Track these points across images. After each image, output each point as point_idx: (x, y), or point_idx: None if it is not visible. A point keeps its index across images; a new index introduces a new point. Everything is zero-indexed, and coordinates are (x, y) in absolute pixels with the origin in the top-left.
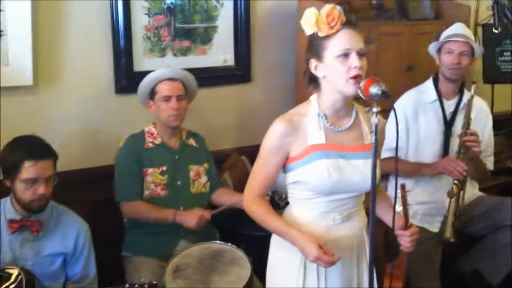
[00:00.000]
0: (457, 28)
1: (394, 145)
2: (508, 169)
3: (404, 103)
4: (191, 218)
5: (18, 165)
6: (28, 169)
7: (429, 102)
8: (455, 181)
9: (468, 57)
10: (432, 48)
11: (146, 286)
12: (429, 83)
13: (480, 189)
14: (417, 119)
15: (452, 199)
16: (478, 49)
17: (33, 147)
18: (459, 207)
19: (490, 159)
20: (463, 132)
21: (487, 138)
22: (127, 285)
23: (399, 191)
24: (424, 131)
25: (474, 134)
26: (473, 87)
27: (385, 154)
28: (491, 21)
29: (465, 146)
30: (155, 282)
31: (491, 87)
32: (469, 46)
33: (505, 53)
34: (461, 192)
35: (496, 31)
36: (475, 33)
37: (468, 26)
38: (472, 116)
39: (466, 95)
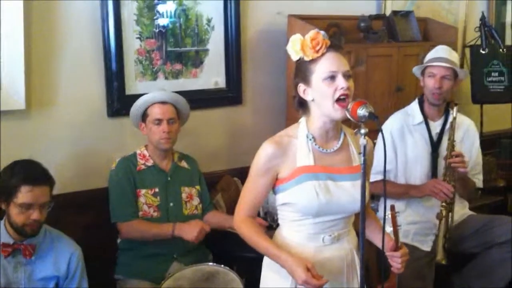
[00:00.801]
0: (439, 51)
1: (383, 168)
2: (498, 188)
3: (390, 126)
4: (191, 230)
5: (15, 189)
6: (24, 194)
7: (416, 124)
8: (442, 203)
9: (451, 81)
10: (415, 70)
11: None
12: (415, 104)
13: (471, 208)
14: (404, 141)
15: (441, 221)
16: (462, 72)
17: (31, 172)
18: (449, 228)
19: (479, 177)
20: (448, 154)
21: (475, 156)
22: None
23: (388, 212)
24: (412, 152)
25: (459, 155)
26: (455, 109)
27: (374, 177)
28: (479, 42)
29: (451, 167)
30: None
31: (480, 107)
32: (452, 69)
33: (493, 74)
34: (450, 214)
35: (483, 52)
36: (463, 54)
37: (456, 48)
38: (460, 135)
39: (452, 116)
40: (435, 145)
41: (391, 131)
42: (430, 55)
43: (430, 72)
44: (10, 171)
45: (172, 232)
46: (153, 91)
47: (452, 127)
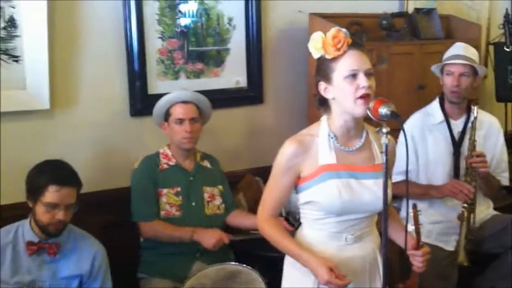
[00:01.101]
0: (457, 49)
1: (404, 168)
2: None
3: (411, 126)
4: (210, 238)
5: (43, 188)
6: (51, 194)
7: (437, 123)
8: (464, 204)
9: (469, 78)
10: (434, 69)
11: None
12: (435, 104)
13: (496, 208)
14: (425, 140)
15: (463, 223)
16: (480, 68)
17: (60, 172)
18: (470, 229)
19: (504, 175)
20: (469, 154)
21: (499, 154)
22: None
23: (410, 210)
24: (433, 152)
25: (480, 155)
26: (475, 108)
27: (396, 178)
28: (503, 39)
29: (471, 167)
30: None
31: (504, 105)
32: (470, 66)
33: None
34: (472, 215)
35: (507, 49)
36: (487, 52)
37: (480, 45)
38: (483, 133)
39: (473, 115)
40: (457, 145)
41: (412, 131)
42: (448, 53)
43: (448, 70)
44: (39, 169)
45: (191, 236)
46: (175, 91)
47: (473, 127)
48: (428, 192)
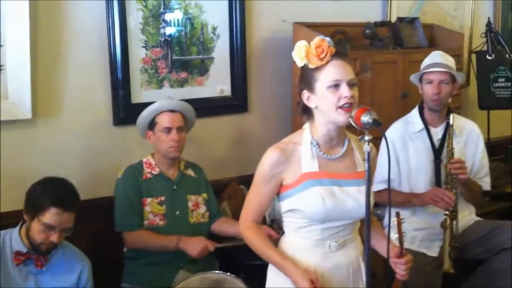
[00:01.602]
0: (435, 57)
1: (387, 176)
2: (506, 195)
3: (392, 134)
4: (195, 246)
5: (44, 208)
6: (52, 216)
7: (417, 131)
8: (445, 212)
9: (449, 85)
10: (413, 78)
11: None
12: (415, 112)
13: (478, 215)
14: (406, 149)
15: (446, 230)
16: (459, 76)
17: (64, 196)
18: (454, 236)
19: (485, 180)
20: (448, 161)
21: (479, 159)
22: None
23: (393, 219)
24: (414, 160)
25: (458, 161)
26: (451, 116)
27: (378, 186)
28: (485, 48)
29: (451, 174)
30: None
31: (487, 113)
32: (449, 74)
33: (499, 79)
34: (454, 222)
35: (490, 58)
36: (470, 60)
37: (462, 54)
38: (463, 140)
39: (450, 121)
40: (437, 152)
41: (392, 140)
42: (426, 61)
43: (427, 78)
44: (43, 187)
45: (176, 245)
46: (160, 99)
47: (450, 135)
48: (410, 200)
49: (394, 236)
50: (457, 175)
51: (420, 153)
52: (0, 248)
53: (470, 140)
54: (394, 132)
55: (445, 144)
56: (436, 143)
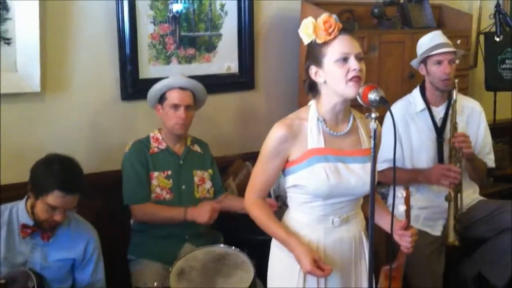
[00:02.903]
0: (438, 37)
1: (390, 156)
2: (510, 176)
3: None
4: (203, 213)
5: (48, 190)
6: (55, 198)
7: (418, 111)
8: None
9: (455, 63)
10: (416, 63)
11: None
12: (416, 92)
13: (482, 195)
14: (408, 129)
15: (450, 204)
16: (459, 53)
17: (69, 179)
18: (459, 210)
19: (489, 157)
20: (452, 136)
21: (482, 136)
22: None
23: (399, 192)
24: (417, 140)
25: (462, 135)
26: (454, 92)
27: (382, 166)
28: (493, 29)
29: (455, 149)
30: (167, 286)
31: (493, 95)
32: (453, 53)
33: (507, 61)
34: (459, 195)
35: (498, 39)
36: (477, 41)
37: (470, 35)
38: (465, 118)
39: (453, 97)
40: (439, 131)
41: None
42: (428, 42)
43: (436, 59)
44: (48, 168)
45: (184, 216)
46: (173, 75)
47: (454, 110)
48: (415, 177)
49: (401, 208)
50: (461, 149)
51: (422, 133)
52: (8, 219)
53: (471, 118)
54: (395, 112)
55: (448, 121)
56: (438, 122)
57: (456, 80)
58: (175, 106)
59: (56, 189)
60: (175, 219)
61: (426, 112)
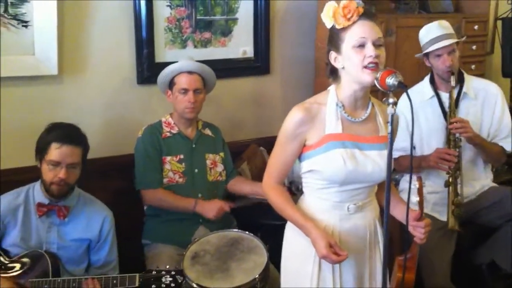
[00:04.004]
0: (434, 30)
1: (401, 145)
2: None
3: (403, 104)
4: (211, 209)
5: (46, 146)
6: (53, 151)
7: (427, 99)
8: (449, 171)
9: (457, 50)
10: (419, 55)
11: (172, 272)
12: (426, 82)
13: (496, 183)
14: (416, 117)
15: (449, 188)
16: (461, 38)
17: (64, 131)
18: (459, 194)
19: (507, 140)
20: (448, 122)
21: (498, 118)
22: (154, 271)
23: (415, 182)
24: (426, 128)
25: (458, 120)
26: (452, 78)
27: (394, 154)
28: (511, 15)
29: (453, 134)
30: (181, 269)
31: (510, 81)
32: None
33: None
34: (457, 180)
35: None
36: (495, 27)
37: (488, 20)
38: (480, 102)
39: (466, 83)
40: (448, 117)
41: (403, 111)
42: (423, 36)
43: (435, 53)
44: (46, 130)
45: (193, 208)
46: (181, 59)
47: (452, 97)
48: (419, 164)
49: (414, 199)
50: (461, 134)
51: (431, 120)
52: (25, 201)
53: (487, 102)
54: (403, 103)
55: (457, 108)
56: (447, 109)
57: (473, 66)
58: (184, 91)
59: (52, 142)
60: (184, 209)
61: (435, 99)
